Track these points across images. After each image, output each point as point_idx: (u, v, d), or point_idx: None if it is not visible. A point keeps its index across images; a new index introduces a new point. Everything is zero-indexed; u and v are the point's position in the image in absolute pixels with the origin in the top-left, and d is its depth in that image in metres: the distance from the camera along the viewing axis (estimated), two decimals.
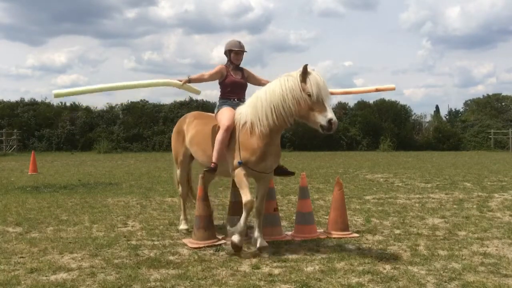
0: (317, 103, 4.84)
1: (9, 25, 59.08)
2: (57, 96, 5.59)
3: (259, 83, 5.97)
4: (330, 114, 4.77)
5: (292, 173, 5.73)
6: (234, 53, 5.82)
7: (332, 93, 6.07)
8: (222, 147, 5.37)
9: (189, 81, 5.73)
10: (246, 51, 5.92)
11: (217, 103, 5.90)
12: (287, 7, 75.42)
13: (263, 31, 67.96)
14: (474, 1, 68.38)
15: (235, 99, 5.72)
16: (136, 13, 64.94)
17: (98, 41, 66.84)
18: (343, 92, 6.69)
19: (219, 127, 5.49)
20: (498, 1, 66.29)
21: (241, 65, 5.95)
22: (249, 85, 6.03)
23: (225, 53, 5.93)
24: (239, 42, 5.87)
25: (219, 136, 5.38)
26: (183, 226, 6.29)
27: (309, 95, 4.86)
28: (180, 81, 5.71)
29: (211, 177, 5.98)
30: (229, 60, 5.89)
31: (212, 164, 5.40)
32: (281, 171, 5.69)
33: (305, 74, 4.93)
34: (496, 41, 72.21)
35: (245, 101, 5.70)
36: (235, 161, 5.26)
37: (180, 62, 62.05)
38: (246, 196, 5.10)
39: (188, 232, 6.06)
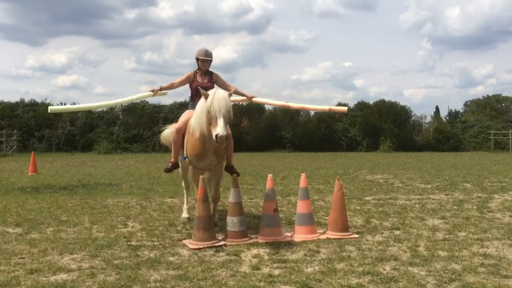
0: (214, 119, 5.41)
1: (9, 25, 59.01)
2: (52, 111, 6.67)
3: (226, 88, 6.74)
4: (218, 130, 5.32)
5: (237, 174, 6.26)
6: (201, 61, 6.65)
7: (289, 106, 7.19)
8: (175, 147, 6.40)
9: (160, 89, 6.74)
10: (211, 59, 6.69)
11: (189, 105, 6.86)
12: (287, 8, 75.35)
13: (263, 32, 67.87)
14: (474, 1, 68.28)
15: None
16: (136, 13, 64.87)
17: (98, 41, 66.77)
18: (299, 107, 7.48)
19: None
20: (498, 2, 66.13)
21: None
22: None
23: (196, 59, 6.70)
24: (206, 51, 6.64)
25: (173, 136, 6.44)
26: (184, 215, 7.05)
27: (208, 111, 5.45)
28: (153, 91, 6.75)
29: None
30: (198, 66, 6.72)
31: (170, 163, 6.47)
32: (229, 169, 6.33)
33: (206, 95, 5.57)
34: (496, 42, 72.09)
35: None
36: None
37: (180, 62, 61.97)
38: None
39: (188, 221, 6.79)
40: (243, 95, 7.00)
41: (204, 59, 6.62)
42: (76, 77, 63.05)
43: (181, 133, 6.32)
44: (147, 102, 32.59)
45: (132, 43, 66.19)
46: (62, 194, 10.00)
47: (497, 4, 65.80)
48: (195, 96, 6.57)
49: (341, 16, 71.02)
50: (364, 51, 74.37)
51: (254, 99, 7.07)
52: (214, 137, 5.35)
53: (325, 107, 7.26)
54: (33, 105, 31.76)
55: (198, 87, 5.80)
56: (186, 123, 6.29)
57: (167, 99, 37.17)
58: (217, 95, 5.52)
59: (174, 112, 30.92)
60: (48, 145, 29.84)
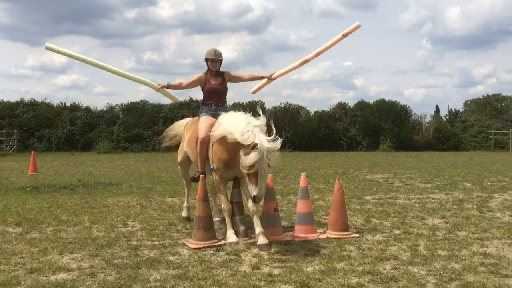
0: (253, 172, 5.09)
1: (9, 25, 59.02)
2: (47, 48, 6.15)
3: (242, 80, 6.51)
4: (254, 192, 5.07)
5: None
6: (211, 61, 6.33)
7: (307, 61, 6.43)
8: (201, 158, 5.97)
9: (167, 87, 6.34)
10: (221, 59, 6.36)
11: (200, 109, 6.48)
12: (287, 7, 75.40)
13: (263, 32, 67.94)
14: (474, 1, 68.32)
15: (213, 105, 6.22)
16: (136, 13, 64.82)
17: (98, 41, 66.73)
18: (316, 54, 6.51)
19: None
20: (498, 1, 66.18)
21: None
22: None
23: (205, 61, 6.41)
24: (215, 51, 6.33)
25: (198, 148, 5.97)
26: (184, 214, 7.04)
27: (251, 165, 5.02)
28: (159, 85, 6.31)
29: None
30: (208, 68, 6.38)
31: (197, 172, 6.10)
32: None
33: (254, 146, 5.04)
34: (496, 41, 72.14)
35: (226, 104, 6.37)
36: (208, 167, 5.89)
37: (180, 62, 62.04)
38: (223, 203, 5.74)
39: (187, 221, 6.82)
40: (261, 77, 6.58)
41: (214, 59, 6.30)
42: (76, 77, 63.14)
43: (206, 143, 5.91)
44: (147, 102, 32.61)
45: (132, 43, 66.25)
46: (62, 193, 10.00)
47: (497, 4, 65.86)
48: (208, 99, 6.30)
49: (341, 16, 71.02)
50: (364, 51, 74.46)
51: (274, 76, 6.53)
52: (251, 196, 5.12)
53: (338, 36, 6.54)
54: (33, 104, 31.75)
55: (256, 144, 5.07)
56: (208, 131, 5.86)
57: (167, 100, 37.05)
58: (260, 149, 5.01)
59: (174, 111, 30.92)
60: (48, 145, 29.83)
